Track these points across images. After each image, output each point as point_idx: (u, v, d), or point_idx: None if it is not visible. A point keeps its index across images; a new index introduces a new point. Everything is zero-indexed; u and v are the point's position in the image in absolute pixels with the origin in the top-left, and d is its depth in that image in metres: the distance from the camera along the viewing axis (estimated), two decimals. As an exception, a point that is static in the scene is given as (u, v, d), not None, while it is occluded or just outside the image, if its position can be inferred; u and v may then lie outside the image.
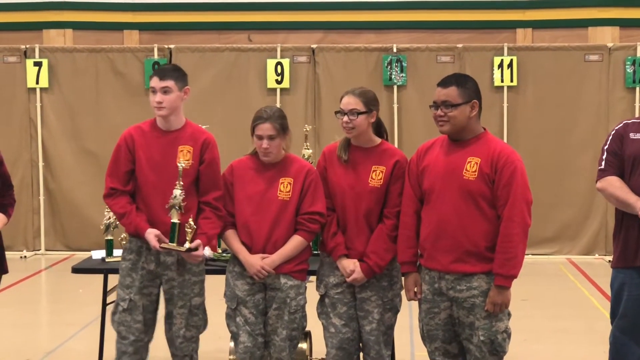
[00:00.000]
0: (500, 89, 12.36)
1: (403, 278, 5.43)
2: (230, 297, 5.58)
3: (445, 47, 12.49)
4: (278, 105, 12.27)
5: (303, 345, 6.23)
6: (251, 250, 5.52)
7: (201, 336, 5.79)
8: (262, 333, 5.56)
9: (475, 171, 5.02)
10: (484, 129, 5.25)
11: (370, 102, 5.48)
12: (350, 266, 5.45)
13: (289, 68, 12.42)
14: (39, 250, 12.65)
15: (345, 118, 5.42)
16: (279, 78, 12.37)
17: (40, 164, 12.58)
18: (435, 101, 5.15)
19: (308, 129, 6.99)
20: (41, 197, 12.55)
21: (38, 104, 12.59)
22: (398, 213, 5.37)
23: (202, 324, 5.73)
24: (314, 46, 12.54)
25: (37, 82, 12.55)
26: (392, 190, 5.43)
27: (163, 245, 5.43)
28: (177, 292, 5.60)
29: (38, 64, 12.53)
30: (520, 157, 5.15)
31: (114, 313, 5.65)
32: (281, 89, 12.44)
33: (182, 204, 5.39)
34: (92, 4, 13.02)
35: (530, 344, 8.07)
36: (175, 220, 5.41)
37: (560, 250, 12.47)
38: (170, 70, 5.61)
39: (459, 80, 5.15)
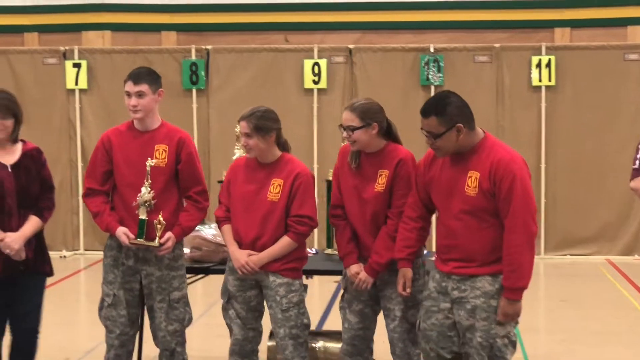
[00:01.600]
0: (538, 88, 12.29)
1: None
2: (223, 291, 5.76)
3: (482, 46, 12.43)
4: (315, 105, 12.30)
5: (319, 344, 6.32)
6: (241, 247, 5.64)
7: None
8: (254, 327, 5.70)
9: (475, 187, 4.96)
10: (484, 132, 5.13)
11: (368, 116, 5.50)
12: (356, 269, 5.54)
13: (326, 68, 12.42)
14: (78, 250, 12.76)
15: (345, 134, 5.53)
16: (316, 78, 12.37)
17: (79, 164, 12.68)
18: (421, 128, 5.06)
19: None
20: (80, 198, 12.63)
21: (77, 105, 12.69)
22: (400, 213, 5.41)
23: (185, 318, 5.86)
24: (351, 46, 12.53)
25: (76, 84, 12.66)
26: (395, 191, 5.48)
27: (132, 241, 5.63)
28: (155, 287, 5.76)
29: (77, 66, 12.63)
30: (521, 163, 5.00)
31: (100, 308, 5.86)
32: (318, 90, 12.44)
33: (151, 202, 5.60)
34: (130, 5, 13.10)
35: (569, 344, 8.03)
36: (143, 216, 5.61)
37: (600, 250, 12.37)
38: (144, 75, 5.80)
39: (438, 108, 4.98)
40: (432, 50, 12.34)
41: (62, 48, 12.74)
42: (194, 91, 12.63)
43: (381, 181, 5.49)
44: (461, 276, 5.04)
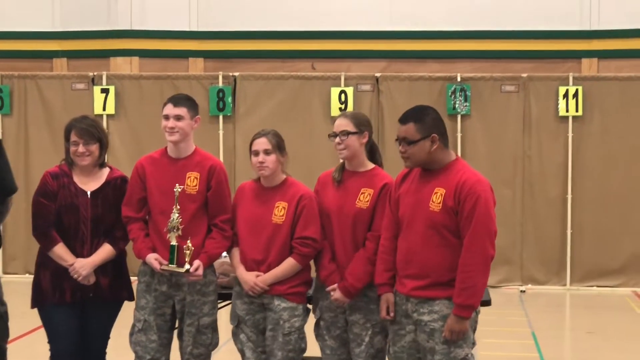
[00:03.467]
0: (565, 119, 12.26)
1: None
2: (232, 316, 5.80)
3: (509, 76, 12.43)
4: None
5: None
6: (247, 270, 5.70)
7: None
8: (266, 350, 5.71)
9: (440, 203, 5.08)
10: (457, 156, 5.28)
11: (362, 124, 5.66)
12: (334, 287, 5.59)
13: (352, 96, 12.45)
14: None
15: (337, 139, 5.60)
16: (343, 106, 12.38)
17: (106, 189, 12.71)
18: (397, 137, 5.22)
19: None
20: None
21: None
22: (379, 237, 5.45)
23: (212, 343, 5.89)
24: (377, 75, 12.56)
25: (104, 109, 12.73)
26: (377, 213, 5.54)
27: (163, 267, 5.67)
28: (186, 311, 5.80)
29: (105, 91, 12.72)
30: (487, 186, 5.13)
31: (131, 334, 5.87)
32: (344, 117, 12.43)
33: (179, 227, 5.64)
34: (158, 32, 13.20)
35: (596, 377, 7.95)
36: (173, 242, 5.65)
37: (626, 282, 12.26)
38: (184, 99, 5.85)
39: (417, 115, 5.19)
40: (459, 79, 12.34)
41: (90, 74, 12.84)
42: (221, 117, 12.68)
43: (363, 198, 5.57)
44: (419, 299, 5.14)
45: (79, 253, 5.68)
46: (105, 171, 5.85)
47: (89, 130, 5.72)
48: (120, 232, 5.81)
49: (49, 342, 5.82)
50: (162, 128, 5.78)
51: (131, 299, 5.94)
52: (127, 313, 5.94)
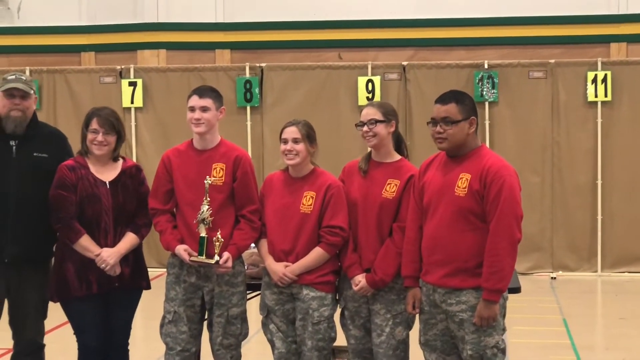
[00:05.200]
0: (594, 104, 12.18)
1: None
2: (262, 307, 5.82)
3: (537, 62, 12.37)
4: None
5: None
6: (275, 260, 5.71)
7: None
8: (296, 340, 5.73)
9: (465, 187, 5.09)
10: (482, 143, 5.31)
11: (389, 113, 5.66)
12: (359, 278, 5.59)
13: (379, 85, 12.44)
14: (133, 267, 12.84)
15: (365, 128, 5.60)
16: (370, 95, 12.37)
17: (135, 182, 12.77)
18: (434, 118, 5.20)
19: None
20: (136, 215, 12.74)
21: (133, 123, 12.83)
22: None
23: (242, 333, 5.90)
24: (404, 63, 12.54)
25: (132, 102, 12.80)
26: (403, 204, 5.54)
27: (192, 258, 5.68)
28: (215, 302, 5.81)
29: (133, 84, 12.78)
30: (512, 171, 5.14)
31: (161, 325, 5.89)
32: (372, 107, 12.42)
33: (209, 219, 5.65)
34: (184, 24, 13.24)
35: (628, 364, 7.92)
36: (203, 234, 5.66)
37: (659, 267, 12.20)
38: (209, 90, 5.86)
39: (458, 97, 5.21)
40: (486, 66, 12.29)
41: (118, 67, 12.91)
42: (248, 108, 12.71)
43: (390, 189, 5.58)
44: (446, 289, 5.15)
45: (102, 244, 5.68)
46: (119, 162, 5.85)
47: (110, 120, 5.74)
48: (142, 219, 5.82)
49: (77, 334, 5.83)
50: (187, 120, 5.80)
51: (149, 287, 5.97)
52: (154, 304, 5.96)
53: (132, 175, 5.85)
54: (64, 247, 5.74)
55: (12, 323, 5.94)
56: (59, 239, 5.81)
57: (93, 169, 5.76)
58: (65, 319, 5.87)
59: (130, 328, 5.95)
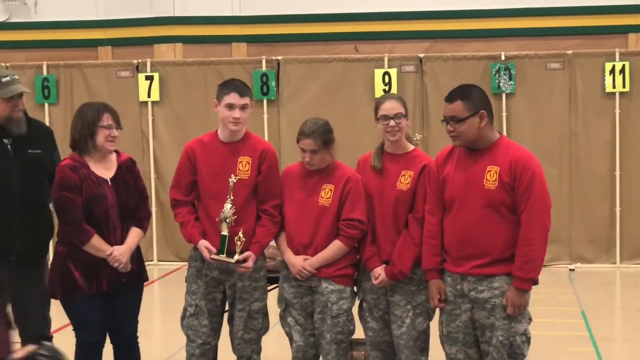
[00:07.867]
0: (612, 95, 12.12)
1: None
2: (280, 299, 5.84)
3: (554, 53, 12.31)
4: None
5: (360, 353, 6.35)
6: (294, 253, 5.73)
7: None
8: (314, 333, 5.74)
9: (495, 180, 5.11)
10: (500, 133, 5.31)
11: (406, 106, 5.74)
12: (378, 271, 5.61)
13: (396, 78, 12.41)
14: (151, 260, 12.87)
15: (392, 122, 5.59)
16: (387, 88, 12.35)
17: (152, 175, 12.81)
18: (444, 116, 5.22)
19: (418, 138, 6.99)
20: (153, 209, 12.74)
21: (150, 117, 12.85)
22: (422, 219, 5.46)
23: (263, 328, 5.92)
24: (421, 55, 12.51)
25: (149, 96, 12.82)
26: (418, 195, 5.55)
27: (213, 256, 5.67)
28: (237, 297, 5.82)
29: (149, 78, 12.80)
30: (538, 162, 5.20)
31: (182, 318, 5.94)
32: (388, 99, 12.40)
33: (232, 218, 5.62)
34: (201, 18, 13.25)
35: (647, 355, 7.89)
36: (224, 232, 5.65)
37: (677, 259, 12.14)
38: (247, 88, 5.87)
39: (464, 93, 5.21)
40: (503, 58, 12.25)
41: (134, 61, 12.93)
42: (265, 102, 12.71)
43: (404, 181, 5.60)
44: (477, 277, 5.16)
45: (112, 241, 5.65)
46: (113, 156, 5.82)
47: (117, 114, 5.79)
48: (142, 213, 5.83)
49: (77, 331, 5.78)
50: (223, 117, 5.72)
51: (147, 278, 5.98)
52: (173, 297, 5.97)
53: (128, 169, 5.83)
54: (69, 248, 5.67)
55: (17, 320, 5.88)
56: (60, 237, 5.74)
57: (93, 167, 5.72)
58: (62, 322, 5.82)
59: (137, 320, 5.95)
